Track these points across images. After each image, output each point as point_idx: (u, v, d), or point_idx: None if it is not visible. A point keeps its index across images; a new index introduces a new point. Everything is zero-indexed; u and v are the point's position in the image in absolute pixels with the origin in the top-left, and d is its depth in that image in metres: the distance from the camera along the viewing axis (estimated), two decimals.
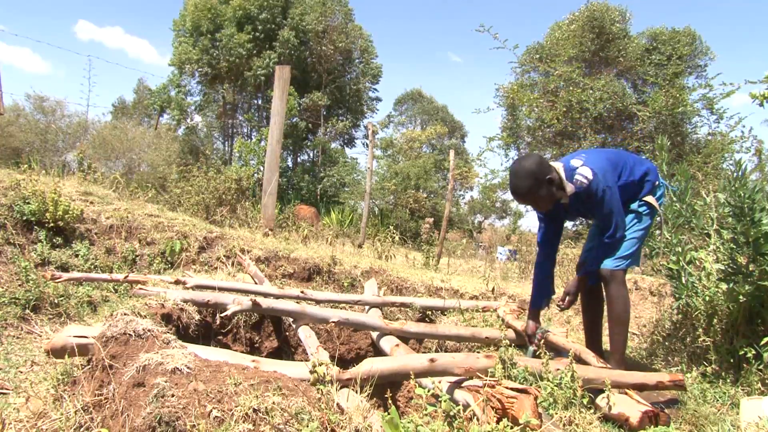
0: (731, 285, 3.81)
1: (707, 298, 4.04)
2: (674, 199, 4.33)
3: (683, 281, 4.18)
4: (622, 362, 3.69)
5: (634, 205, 3.78)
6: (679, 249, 4.23)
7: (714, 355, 3.87)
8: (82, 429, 2.42)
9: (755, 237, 3.63)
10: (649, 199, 3.77)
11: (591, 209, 3.73)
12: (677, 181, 4.35)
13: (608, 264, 3.70)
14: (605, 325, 3.93)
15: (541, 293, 4.11)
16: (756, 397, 2.72)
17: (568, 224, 20.42)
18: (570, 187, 3.62)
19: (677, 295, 4.28)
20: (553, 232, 4.08)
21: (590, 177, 3.54)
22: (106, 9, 62.36)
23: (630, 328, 5.22)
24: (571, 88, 14.53)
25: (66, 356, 2.95)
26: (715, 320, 4.02)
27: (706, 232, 4.28)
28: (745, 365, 3.63)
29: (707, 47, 17.67)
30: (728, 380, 3.66)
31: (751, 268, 3.72)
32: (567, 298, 3.96)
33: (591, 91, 14.17)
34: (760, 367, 3.49)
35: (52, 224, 5.91)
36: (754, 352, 3.57)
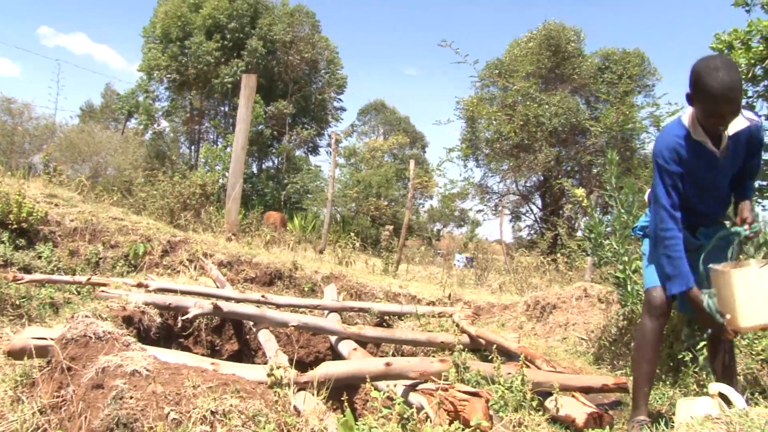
0: None
1: None
2: (622, 211, 4.43)
3: (629, 289, 4.27)
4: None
5: None
6: (626, 258, 4.33)
7: None
8: (39, 431, 2.36)
9: None
10: None
11: (746, 156, 2.86)
12: (625, 194, 4.45)
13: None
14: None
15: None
16: (690, 398, 2.80)
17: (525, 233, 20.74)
18: (739, 121, 2.74)
19: (623, 302, 4.38)
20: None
21: (756, 118, 2.82)
22: (68, 16, 60.86)
23: (579, 333, 5.32)
24: (528, 102, 14.80)
25: (25, 358, 2.87)
26: None
27: None
28: (683, 368, 3.73)
29: (655, 68, 18.36)
30: (668, 382, 3.76)
31: None
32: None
33: (547, 106, 14.47)
34: (696, 369, 3.60)
35: (15, 226, 5.75)
36: (690, 355, 3.67)
